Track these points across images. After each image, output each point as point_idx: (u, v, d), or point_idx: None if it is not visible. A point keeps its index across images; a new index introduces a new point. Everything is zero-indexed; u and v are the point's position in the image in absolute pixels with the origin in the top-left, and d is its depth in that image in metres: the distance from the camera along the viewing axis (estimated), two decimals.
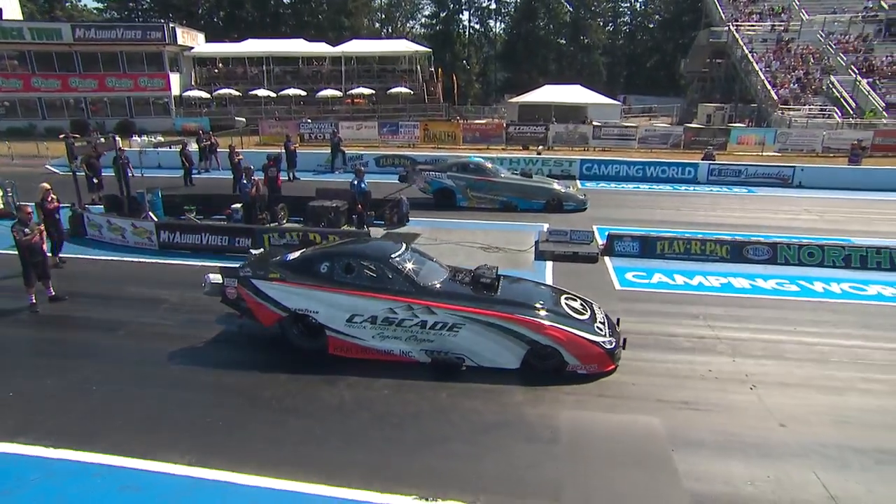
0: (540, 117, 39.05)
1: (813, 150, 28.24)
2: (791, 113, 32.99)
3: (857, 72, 34.87)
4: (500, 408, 6.21)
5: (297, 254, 7.71)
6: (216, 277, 7.65)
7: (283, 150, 20.11)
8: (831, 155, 27.32)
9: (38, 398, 6.40)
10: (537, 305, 7.11)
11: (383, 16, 74.58)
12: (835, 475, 5.11)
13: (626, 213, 15.78)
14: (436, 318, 6.82)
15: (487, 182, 15.77)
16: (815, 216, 15.74)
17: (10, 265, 10.48)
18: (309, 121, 32.69)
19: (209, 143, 22.15)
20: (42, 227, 8.97)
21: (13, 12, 40.54)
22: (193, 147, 22.04)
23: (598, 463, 5.31)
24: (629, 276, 10.51)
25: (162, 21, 38.75)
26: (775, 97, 34.63)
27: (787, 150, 28.43)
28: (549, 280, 10.21)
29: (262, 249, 8.62)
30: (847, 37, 38.75)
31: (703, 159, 21.69)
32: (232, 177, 17.56)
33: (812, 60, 37.47)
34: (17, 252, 8.66)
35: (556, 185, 16.19)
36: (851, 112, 32.48)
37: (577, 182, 20.24)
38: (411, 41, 51.41)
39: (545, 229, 13.11)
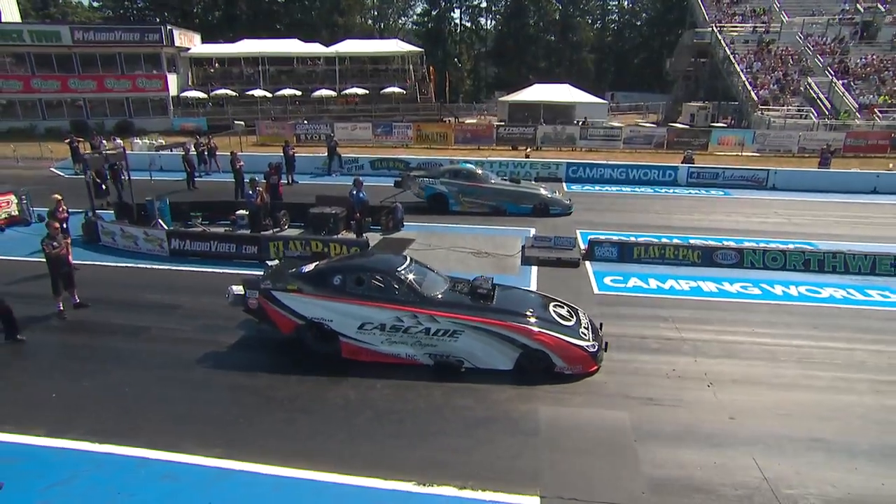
0: (529, 116, 39.99)
1: (789, 151, 29.39)
2: (770, 113, 34.07)
3: (832, 73, 36.01)
4: (488, 405, 7.08)
5: (311, 266, 8.50)
6: (239, 289, 8.40)
7: (283, 155, 20.76)
8: (806, 156, 28.46)
9: (77, 399, 7.19)
10: (528, 313, 7.97)
11: (375, 13, 74.82)
12: (770, 460, 6.03)
13: (608, 216, 16.70)
14: (438, 326, 7.66)
15: (478, 188, 16.62)
16: (783, 219, 16.75)
17: (30, 271, 11.30)
18: (305, 122, 33.32)
19: (208, 147, 22.75)
20: (69, 240, 9.68)
21: (12, 14, 40.71)
22: (192, 149, 22.70)
23: (572, 452, 6.18)
24: (607, 280, 11.42)
25: (159, 24, 39.02)
26: (755, 98, 35.69)
27: (765, 151, 29.60)
28: (533, 284, 11.12)
29: (277, 261, 9.34)
30: (824, 39, 39.88)
31: (682, 162, 22.66)
32: (234, 180, 18.25)
33: (791, 62, 38.57)
34: (45, 261, 9.35)
35: (543, 191, 17.07)
36: (827, 113, 33.62)
37: (563, 185, 21.15)
38: (403, 41, 51.95)
39: (531, 235, 13.99)
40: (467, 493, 5.51)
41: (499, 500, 5.45)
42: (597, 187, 21.31)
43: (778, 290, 11.01)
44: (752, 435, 6.48)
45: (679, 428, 6.63)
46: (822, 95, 34.92)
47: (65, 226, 11.58)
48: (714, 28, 42.72)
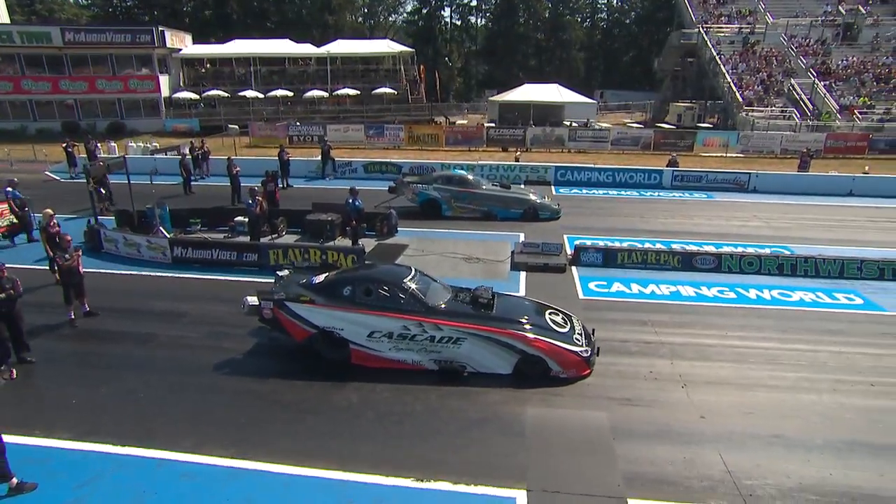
0: (519, 116, 40.62)
1: (772, 152, 30.21)
2: (754, 114, 34.88)
3: (815, 75, 36.89)
4: (480, 407, 7.67)
5: (321, 277, 9.03)
6: (253, 300, 8.91)
7: (278, 159, 21.21)
8: (788, 157, 29.29)
9: (96, 404, 7.69)
10: (526, 321, 8.58)
11: (366, 10, 74.96)
12: (734, 455, 6.67)
13: (594, 220, 17.34)
14: (442, 334, 8.25)
15: (470, 193, 17.20)
16: (762, 223, 17.46)
17: (37, 280, 11.72)
18: (298, 123, 33.70)
19: (202, 151, 23.14)
20: (80, 252, 10.12)
21: (2, 16, 40.59)
22: (185, 151, 23.12)
23: (556, 450, 6.78)
24: (592, 285, 12.04)
25: (151, 25, 39.05)
26: (740, 99, 36.48)
27: (748, 152, 30.40)
28: (522, 289, 11.73)
29: (287, 271, 9.81)
30: (807, 40, 40.75)
31: (667, 166, 23.32)
32: (230, 185, 18.69)
33: (775, 63, 39.40)
34: (48, 268, 9.76)
35: (532, 196, 17.67)
36: (809, 114, 34.48)
37: (552, 189, 21.78)
38: (394, 40, 52.30)
39: (520, 240, 14.59)
40: (462, 488, 6.10)
41: (490, 493, 6.04)
42: (584, 190, 21.95)
43: (752, 293, 11.69)
44: (719, 432, 7.11)
45: (653, 427, 7.25)
46: (804, 97, 35.78)
47: (58, 240, 11.74)
48: (701, 29, 43.46)
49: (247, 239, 14.32)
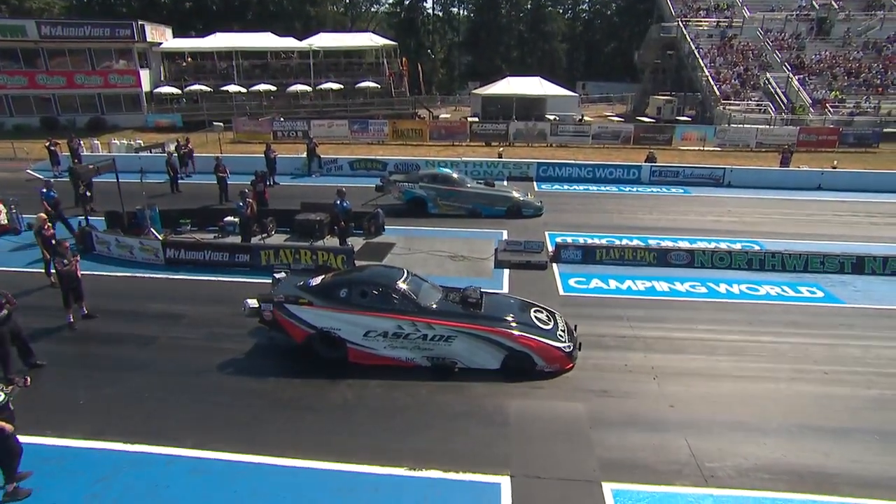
0: (502, 108, 41.16)
1: (748, 146, 31.11)
2: (731, 108, 35.78)
3: (789, 69, 37.87)
4: (466, 400, 8.24)
5: (318, 280, 9.49)
6: (253, 302, 9.32)
7: (265, 157, 21.46)
8: (763, 150, 30.23)
9: (103, 405, 8.10)
10: (513, 319, 9.13)
11: (348, 0, 74.48)
12: (699, 440, 7.32)
13: (575, 217, 17.94)
14: (434, 332, 8.78)
15: (455, 191, 17.69)
16: (735, 217, 18.23)
17: (32, 283, 12.01)
18: (282, 119, 33.78)
19: (187, 149, 23.26)
20: (78, 258, 10.43)
21: None
22: (171, 149, 23.23)
23: (537, 440, 7.37)
24: (572, 282, 12.66)
25: (131, 19, 38.48)
26: (718, 92, 37.34)
27: (725, 146, 31.26)
28: (506, 287, 12.30)
29: (283, 273, 10.20)
30: (783, 34, 41.72)
31: (645, 161, 24.01)
32: (217, 186, 18.96)
33: (751, 56, 40.33)
34: (43, 271, 10.05)
35: (516, 193, 18.22)
36: (784, 108, 35.46)
37: (534, 184, 22.36)
38: (376, 32, 52.25)
39: (503, 238, 15.15)
40: (451, 476, 6.67)
41: (477, 480, 6.62)
42: (565, 186, 22.55)
43: (722, 288, 12.38)
44: (686, 420, 7.77)
45: (627, 416, 7.88)
46: (779, 90, 36.75)
47: (52, 242, 11.86)
48: (679, 22, 44.22)
49: (237, 239, 14.68)
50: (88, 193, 17.80)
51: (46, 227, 12.11)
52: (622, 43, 73.40)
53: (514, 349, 8.77)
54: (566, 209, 18.92)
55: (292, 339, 9.24)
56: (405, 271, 9.65)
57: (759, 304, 11.64)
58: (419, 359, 8.93)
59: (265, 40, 43.99)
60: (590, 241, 14.66)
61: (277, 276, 10.06)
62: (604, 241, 14.66)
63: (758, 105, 36.13)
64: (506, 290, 12.09)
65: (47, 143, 23.95)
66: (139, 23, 38.01)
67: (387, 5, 75.75)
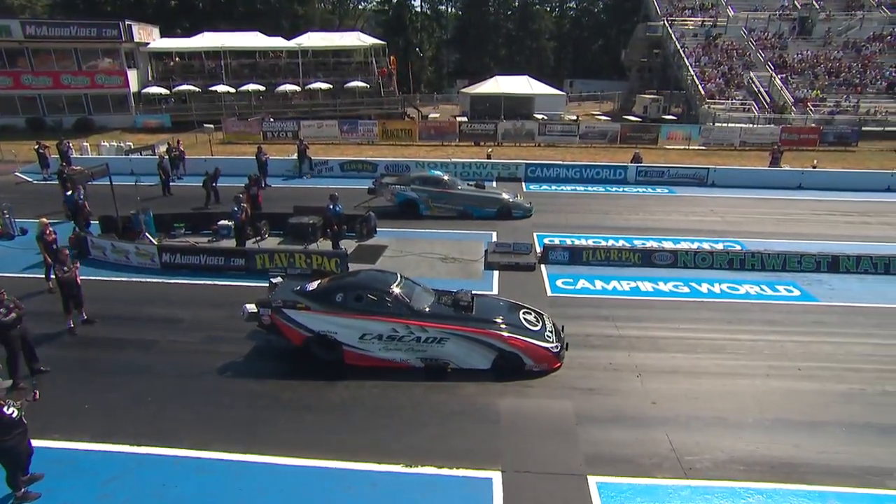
0: (491, 107, 41.59)
1: (732, 145, 31.74)
2: (716, 107, 36.40)
3: (772, 68, 38.58)
4: (459, 399, 8.61)
5: (315, 284, 9.81)
6: (252, 307, 9.60)
7: (256, 160, 21.66)
8: (747, 149, 30.88)
9: (108, 409, 8.37)
10: (502, 321, 9.51)
11: None
12: (679, 435, 7.75)
13: (563, 218, 18.33)
14: (427, 334, 9.14)
15: (446, 193, 18.05)
16: (718, 217, 18.75)
17: (28, 288, 12.18)
18: (272, 120, 33.89)
19: (178, 152, 23.38)
20: (78, 264, 10.65)
21: None
22: (162, 150, 23.35)
23: (527, 436, 7.76)
24: (559, 282, 13.06)
25: (117, 19, 38.25)
26: (703, 91, 37.96)
27: (710, 145, 31.86)
28: (495, 288, 12.69)
29: (280, 278, 10.48)
30: (766, 33, 42.44)
31: (632, 161, 24.48)
32: (205, 193, 19.19)
33: (735, 56, 41.00)
34: (42, 276, 10.27)
35: (505, 195, 18.60)
36: (767, 107, 36.16)
37: (523, 185, 22.77)
38: (364, 31, 52.30)
39: (493, 240, 15.52)
40: (445, 472, 7.04)
41: (470, 475, 6.99)
42: (553, 187, 22.97)
43: (704, 287, 12.84)
44: (667, 416, 8.20)
45: (611, 413, 8.30)
46: (762, 89, 37.45)
47: (54, 247, 12.04)
48: (665, 22, 44.82)
49: (232, 242, 14.92)
50: (82, 198, 17.98)
51: (48, 231, 12.31)
52: (609, 41, 74.00)
53: (503, 350, 9.14)
54: (554, 210, 19.32)
55: (290, 342, 9.54)
56: (398, 275, 9.98)
57: (738, 303, 12.11)
58: (413, 360, 9.28)
59: (253, 40, 43.97)
60: (577, 242, 15.07)
61: (274, 280, 10.35)
62: (590, 242, 15.09)
63: (742, 104, 36.79)
64: (495, 291, 12.47)
65: (36, 146, 23.93)
66: (126, 23, 37.84)
67: (375, 3, 75.79)
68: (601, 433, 7.83)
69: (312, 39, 44.79)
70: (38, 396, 6.61)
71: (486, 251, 14.75)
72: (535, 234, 16.27)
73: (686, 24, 45.28)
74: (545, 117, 38.61)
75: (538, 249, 14.83)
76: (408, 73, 52.27)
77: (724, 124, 33.19)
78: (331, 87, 42.18)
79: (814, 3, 44.08)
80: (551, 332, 9.74)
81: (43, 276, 12.54)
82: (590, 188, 22.80)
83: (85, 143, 28.23)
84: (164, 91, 39.58)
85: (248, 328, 10.23)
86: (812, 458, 7.26)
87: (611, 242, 15.37)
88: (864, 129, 32.47)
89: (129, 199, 15.95)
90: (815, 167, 23.98)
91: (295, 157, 24.30)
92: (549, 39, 74.98)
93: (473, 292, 10.16)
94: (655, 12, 47.69)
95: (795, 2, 45.11)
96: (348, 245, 15.06)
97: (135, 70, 39.64)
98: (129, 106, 39.02)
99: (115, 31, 37.04)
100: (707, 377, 9.24)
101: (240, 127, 33.48)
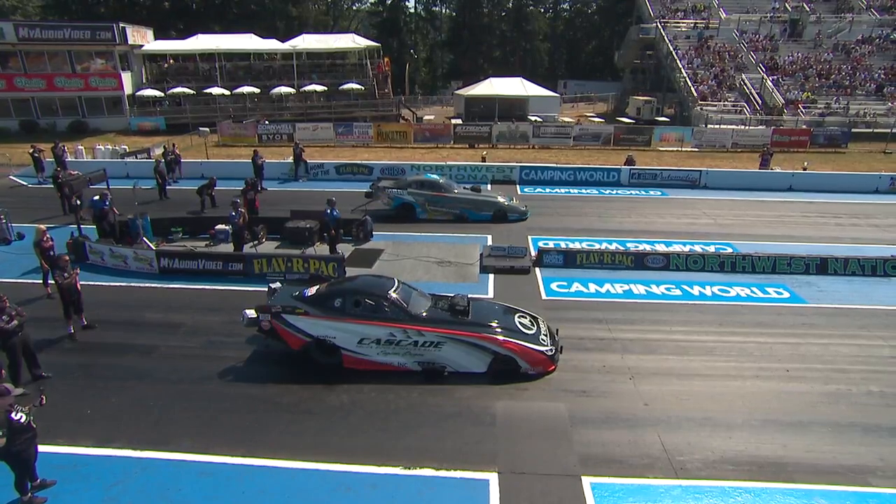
0: (485, 108, 41.80)
1: (724, 146, 32.08)
2: (708, 108, 36.76)
3: (763, 70, 38.98)
4: (455, 402, 8.79)
5: (313, 290, 9.95)
6: (252, 313, 9.74)
7: (252, 164, 21.77)
8: (739, 151, 31.22)
9: (110, 414, 8.49)
10: (498, 325, 9.69)
11: (330, 0, 74.39)
12: (670, 436, 7.96)
13: (557, 220, 18.56)
14: (424, 339, 9.31)
15: (443, 197, 18.23)
16: (710, 220, 19.01)
17: (27, 293, 12.27)
18: (267, 122, 33.95)
19: (174, 156, 23.45)
20: (77, 270, 10.74)
21: None
22: (158, 153, 23.40)
23: (521, 438, 7.94)
24: (554, 286, 13.25)
25: (111, 21, 38.17)
26: (695, 93, 38.31)
27: (702, 147, 32.19)
28: (490, 291, 12.87)
29: (278, 284, 10.62)
30: (757, 36, 42.86)
31: (625, 164, 24.74)
32: (199, 199, 19.29)
33: (728, 58, 41.38)
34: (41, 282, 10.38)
35: (501, 198, 18.81)
36: (758, 108, 36.54)
37: (517, 188, 22.98)
38: (359, 33, 52.38)
39: (488, 244, 15.70)
40: (443, 473, 7.22)
41: (467, 476, 7.17)
42: (547, 189, 23.19)
43: (696, 290, 13.07)
44: (659, 417, 8.40)
45: (604, 414, 8.49)
46: (753, 91, 37.83)
47: (51, 253, 12.07)
48: (658, 24, 45.18)
49: (229, 247, 15.04)
50: (78, 202, 18.04)
51: (45, 238, 12.38)
52: (603, 42, 74.44)
53: (499, 353, 9.33)
54: (548, 213, 19.54)
55: (289, 347, 9.68)
56: (396, 281, 10.14)
57: (729, 306, 12.34)
58: (411, 364, 9.45)
59: (248, 42, 43.98)
60: (571, 245, 15.28)
61: (273, 285, 10.49)
62: (584, 245, 15.30)
63: (734, 105, 37.15)
64: (491, 294, 12.65)
65: (31, 150, 23.92)
66: (120, 25, 37.78)
67: (369, 4, 75.80)
68: (594, 434, 8.02)
69: (307, 41, 44.87)
70: (44, 401, 6.74)
71: (481, 255, 14.93)
72: (529, 238, 16.48)
73: (679, 26, 45.65)
74: (539, 119, 38.82)
75: (533, 253, 15.02)
76: (402, 75, 52.41)
77: (717, 126, 33.53)
78: (325, 89, 42.26)
79: (804, 5, 44.56)
80: (546, 335, 9.93)
81: (40, 281, 12.61)
82: (584, 191, 23.04)
83: (79, 147, 28.22)
84: (158, 93, 39.53)
85: (246, 333, 10.37)
86: (799, 457, 7.49)
87: (604, 245, 15.59)
88: (853, 130, 32.89)
89: (126, 202, 16.03)
90: (805, 169, 24.30)
91: (290, 160, 24.40)
92: (542, 40, 75.26)
93: (469, 296, 10.33)
94: (648, 14, 48.05)
95: (786, 4, 45.57)
96: (345, 249, 15.21)
97: (129, 72, 39.58)
98: (123, 108, 38.96)
99: (108, 33, 36.96)
100: (698, 379, 9.45)
101: (235, 130, 33.53)
